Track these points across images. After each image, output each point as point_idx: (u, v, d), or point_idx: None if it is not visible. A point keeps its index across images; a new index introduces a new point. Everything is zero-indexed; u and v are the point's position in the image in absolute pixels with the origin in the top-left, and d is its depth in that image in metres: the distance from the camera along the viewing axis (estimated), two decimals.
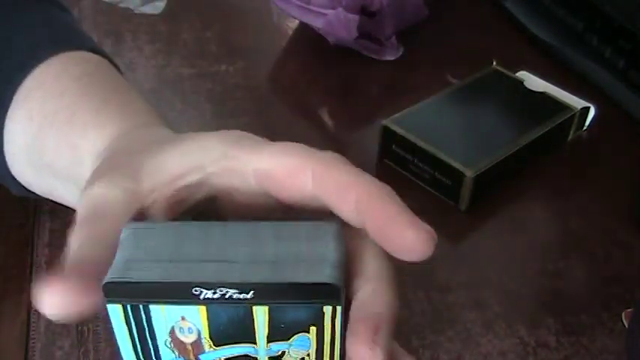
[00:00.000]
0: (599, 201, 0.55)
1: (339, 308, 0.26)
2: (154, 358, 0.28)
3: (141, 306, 0.26)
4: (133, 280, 0.26)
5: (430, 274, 0.48)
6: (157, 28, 0.71)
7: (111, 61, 0.44)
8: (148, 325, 0.27)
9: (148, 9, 0.73)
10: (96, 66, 0.42)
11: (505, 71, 0.62)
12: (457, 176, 0.51)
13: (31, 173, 0.40)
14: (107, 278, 0.26)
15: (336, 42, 0.66)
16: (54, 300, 0.26)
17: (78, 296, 0.26)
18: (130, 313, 0.27)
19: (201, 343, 0.28)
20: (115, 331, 0.27)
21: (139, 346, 0.28)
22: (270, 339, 0.27)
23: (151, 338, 0.28)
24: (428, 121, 0.56)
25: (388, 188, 0.28)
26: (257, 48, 0.70)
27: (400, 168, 0.55)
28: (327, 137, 0.61)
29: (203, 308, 0.26)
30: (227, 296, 0.26)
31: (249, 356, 0.28)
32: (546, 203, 0.55)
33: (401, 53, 0.69)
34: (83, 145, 0.36)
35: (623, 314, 0.46)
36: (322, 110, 0.64)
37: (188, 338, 0.27)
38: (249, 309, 0.26)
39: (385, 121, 0.55)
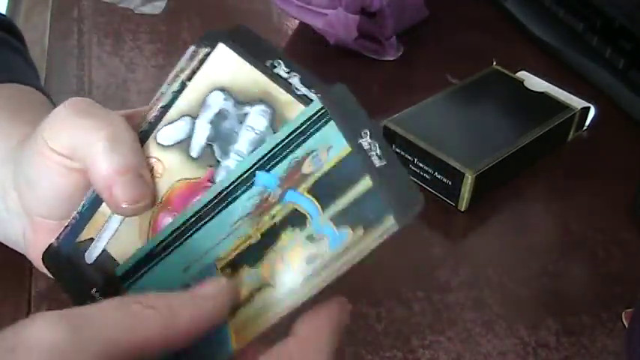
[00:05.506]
0: (599, 201, 0.55)
1: None
2: None
3: None
4: None
5: (430, 274, 0.48)
6: (157, 28, 0.71)
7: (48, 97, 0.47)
8: None
9: (148, 9, 0.73)
10: (20, 92, 0.45)
11: (505, 71, 0.62)
12: (457, 176, 0.51)
13: None
14: None
15: (336, 42, 0.66)
16: None
17: None
18: None
19: None
20: None
21: None
22: None
23: None
24: (428, 121, 0.56)
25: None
26: None
27: None
28: None
29: None
30: None
31: None
32: (546, 203, 0.55)
33: (401, 53, 0.69)
34: None
35: (623, 314, 0.46)
36: None
37: None
38: None
39: (385, 121, 0.55)
